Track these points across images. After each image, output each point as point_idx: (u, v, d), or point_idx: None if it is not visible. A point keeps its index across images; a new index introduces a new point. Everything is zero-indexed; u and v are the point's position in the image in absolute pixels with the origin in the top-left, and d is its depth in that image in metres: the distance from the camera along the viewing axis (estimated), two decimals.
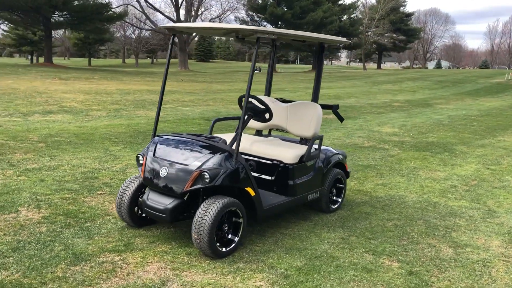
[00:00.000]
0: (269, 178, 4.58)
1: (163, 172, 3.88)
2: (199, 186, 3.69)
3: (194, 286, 3.29)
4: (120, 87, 18.78)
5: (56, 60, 50.25)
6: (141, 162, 4.12)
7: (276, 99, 5.29)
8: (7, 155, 6.55)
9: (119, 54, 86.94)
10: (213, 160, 3.78)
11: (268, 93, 5.51)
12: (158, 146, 4.13)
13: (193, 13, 49.05)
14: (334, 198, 5.14)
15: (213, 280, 3.38)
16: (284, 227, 4.55)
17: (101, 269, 3.44)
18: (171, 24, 3.73)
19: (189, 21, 46.42)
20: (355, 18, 62.30)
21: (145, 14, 51.69)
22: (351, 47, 65.36)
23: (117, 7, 46.37)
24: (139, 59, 74.42)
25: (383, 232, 4.57)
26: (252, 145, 4.74)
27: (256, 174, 4.65)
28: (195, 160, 3.81)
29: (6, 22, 40.49)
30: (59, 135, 8.26)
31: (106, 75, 27.33)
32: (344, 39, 5.00)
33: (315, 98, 5.07)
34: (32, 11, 33.81)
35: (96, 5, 38.21)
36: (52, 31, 41.32)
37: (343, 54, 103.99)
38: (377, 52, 75.60)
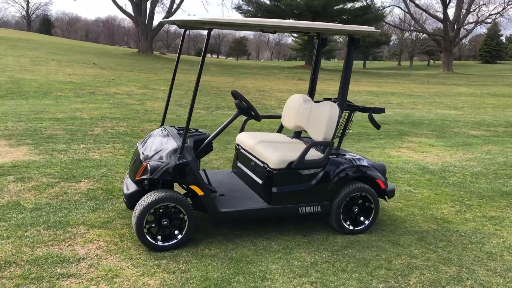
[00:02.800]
0: (259, 181, 4.27)
1: (132, 161, 4.16)
2: (145, 177, 3.81)
3: (97, 268, 3.47)
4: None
5: (335, 63, 53.99)
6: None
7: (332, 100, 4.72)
8: None
9: (401, 57, 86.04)
10: (161, 153, 3.85)
11: (311, 93, 5.02)
12: (150, 136, 4.42)
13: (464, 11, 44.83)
14: (359, 218, 4.36)
15: (118, 268, 3.49)
16: (257, 235, 4.17)
17: (61, 235, 3.96)
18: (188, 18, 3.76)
19: (459, 21, 42.67)
20: None
21: (411, 15, 50.24)
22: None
23: (383, 8, 46.59)
24: (420, 61, 72.60)
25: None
26: (257, 143, 4.49)
27: (251, 175, 4.41)
28: (153, 152, 3.95)
29: None
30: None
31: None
32: (373, 29, 4.16)
33: (341, 101, 4.37)
34: (294, 18, 37.48)
35: (355, 9, 39.43)
36: None
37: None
38: None
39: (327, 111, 4.25)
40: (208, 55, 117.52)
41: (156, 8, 36.56)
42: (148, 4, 34.69)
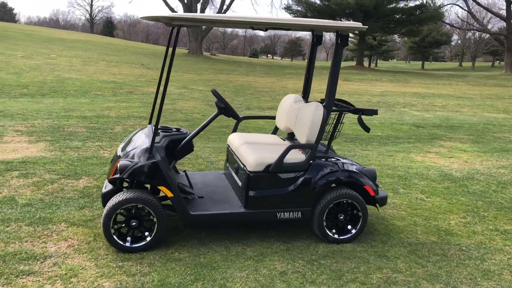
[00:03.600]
0: (239, 183, 4.11)
1: (112, 159, 4.13)
2: (116, 176, 3.77)
3: (60, 267, 3.45)
4: (391, 89, 18.55)
5: (392, 64, 52.57)
6: None
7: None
8: None
9: (464, 57, 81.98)
10: (133, 152, 3.78)
11: (305, 93, 4.78)
12: (135, 134, 4.38)
13: None
14: (346, 226, 4.10)
15: (81, 268, 3.45)
16: (234, 240, 4.00)
17: (40, 232, 4.00)
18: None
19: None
20: None
21: (471, 14, 47.96)
22: None
23: (440, 7, 44.75)
24: (484, 62, 69.11)
25: None
26: (242, 144, 4.33)
27: (235, 177, 4.27)
28: (128, 151, 3.90)
29: None
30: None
31: (398, 77, 27.30)
32: (359, 25, 3.88)
33: (328, 102, 4.10)
34: (345, 17, 36.78)
35: (409, 8, 38.08)
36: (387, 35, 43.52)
37: None
38: None
39: (311, 112, 4.03)
40: (263, 56, 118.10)
41: (207, 10, 37.08)
42: (199, 6, 35.25)
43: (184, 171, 4.37)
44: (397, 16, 37.65)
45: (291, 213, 3.97)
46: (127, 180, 3.95)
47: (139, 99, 12.39)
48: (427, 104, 15.35)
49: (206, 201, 4.08)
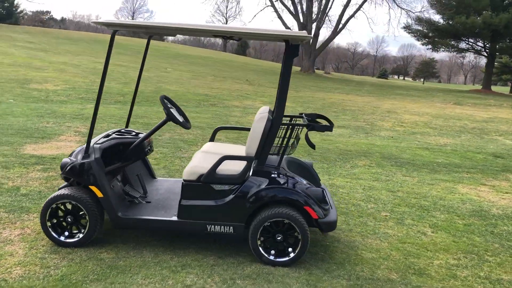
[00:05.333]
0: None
1: None
2: (61, 173, 4.00)
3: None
4: (503, 116, 16.82)
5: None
6: None
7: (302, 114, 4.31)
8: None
9: None
10: (77, 150, 3.98)
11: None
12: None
13: None
14: (286, 248, 3.82)
15: (8, 255, 3.70)
16: (168, 248, 3.94)
17: (10, 219, 4.38)
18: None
19: None
20: None
21: None
22: None
23: None
24: None
25: None
26: (199, 152, 4.30)
27: None
28: (77, 150, 4.11)
29: (452, 50, 42.02)
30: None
31: None
32: (304, 33, 3.63)
33: (276, 114, 3.87)
34: (473, 37, 33.97)
35: None
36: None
37: None
38: None
39: (253, 124, 3.86)
40: (394, 77, 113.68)
41: (322, 28, 37.13)
42: (314, 25, 35.45)
43: (137, 174, 4.46)
44: None
45: (223, 227, 3.81)
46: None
47: (215, 111, 12.85)
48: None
49: (146, 206, 4.11)
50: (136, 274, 3.53)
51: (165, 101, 4.15)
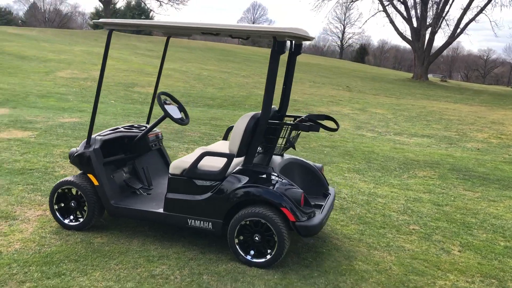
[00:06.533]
0: None
1: None
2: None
3: (9, 227, 4.20)
4: None
5: None
6: None
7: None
8: None
9: None
10: (83, 142, 4.31)
11: (281, 107, 4.45)
12: None
13: None
14: (265, 249, 3.72)
15: (19, 231, 4.12)
16: (157, 240, 4.05)
17: (37, 201, 4.87)
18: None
19: None
20: None
21: None
22: None
23: None
24: None
25: None
26: (200, 149, 4.39)
27: None
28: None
29: None
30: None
31: None
32: (296, 29, 3.55)
33: (262, 113, 3.79)
34: None
35: None
36: None
37: None
38: None
39: (237, 121, 3.84)
40: None
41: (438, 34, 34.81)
42: (429, 30, 33.46)
43: (143, 167, 4.65)
44: None
45: (202, 222, 3.83)
46: None
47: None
48: None
49: (143, 197, 4.29)
50: (113, 260, 3.70)
51: (161, 98, 4.28)
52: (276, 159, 4.25)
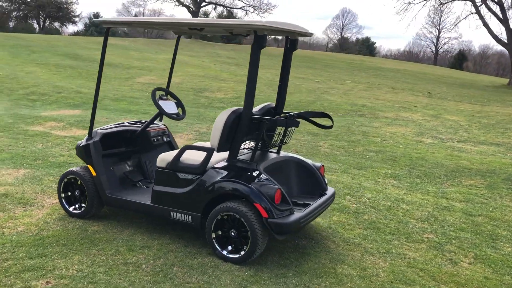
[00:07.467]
0: None
1: None
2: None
3: (24, 211, 4.56)
4: None
5: None
6: None
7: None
8: None
9: None
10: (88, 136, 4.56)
11: (277, 104, 4.38)
12: None
13: None
14: (242, 245, 3.68)
15: (29, 217, 4.45)
16: (146, 231, 4.15)
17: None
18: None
19: None
20: None
21: None
22: None
23: None
24: None
25: None
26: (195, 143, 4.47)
27: None
28: None
29: None
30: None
31: None
32: (283, 23, 3.52)
33: (244, 109, 3.76)
34: None
35: None
36: None
37: None
38: None
39: (217, 116, 3.85)
40: None
41: None
42: None
43: (145, 161, 4.78)
44: None
45: (183, 215, 3.87)
46: None
47: (351, 121, 12.47)
48: None
49: (138, 190, 4.43)
50: (97, 246, 3.86)
51: (156, 93, 4.40)
52: (270, 156, 4.18)
